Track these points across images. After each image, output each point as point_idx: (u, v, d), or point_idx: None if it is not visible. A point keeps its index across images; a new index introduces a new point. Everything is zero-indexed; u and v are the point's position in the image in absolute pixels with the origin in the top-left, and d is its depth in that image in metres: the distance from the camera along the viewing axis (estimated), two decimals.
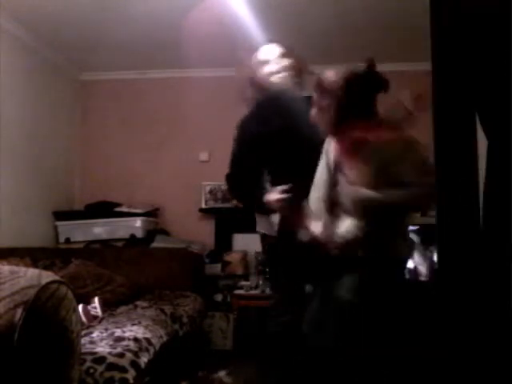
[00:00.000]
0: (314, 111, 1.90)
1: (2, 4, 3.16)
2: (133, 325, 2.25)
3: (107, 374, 1.72)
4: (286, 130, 2.06)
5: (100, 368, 1.73)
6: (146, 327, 2.25)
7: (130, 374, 1.79)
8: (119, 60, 4.26)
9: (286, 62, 2.24)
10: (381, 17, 3.47)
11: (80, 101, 4.56)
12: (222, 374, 2.75)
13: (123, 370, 1.78)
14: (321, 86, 1.87)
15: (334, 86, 1.83)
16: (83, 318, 2.35)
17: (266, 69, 2.22)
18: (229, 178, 2.25)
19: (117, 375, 1.74)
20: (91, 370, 1.71)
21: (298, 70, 2.26)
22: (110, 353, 1.83)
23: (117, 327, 2.20)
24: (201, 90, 4.30)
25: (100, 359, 1.77)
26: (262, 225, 2.24)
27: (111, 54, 4.10)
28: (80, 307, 2.35)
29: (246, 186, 2.17)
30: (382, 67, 4.79)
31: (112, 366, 1.76)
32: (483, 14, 1.40)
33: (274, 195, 2.01)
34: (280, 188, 1.99)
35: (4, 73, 3.39)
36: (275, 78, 2.20)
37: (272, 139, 2.08)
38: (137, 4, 3.25)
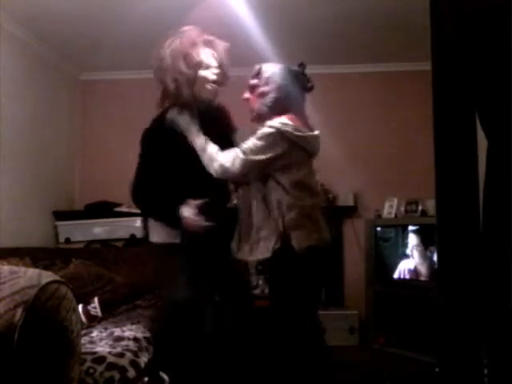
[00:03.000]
0: (248, 95, 2.11)
1: (2, 4, 3.15)
2: (132, 324, 2.25)
3: (107, 374, 1.73)
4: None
5: (100, 368, 1.73)
6: (145, 327, 2.25)
7: (130, 374, 1.80)
8: (119, 60, 4.26)
9: (221, 74, 2.16)
10: (381, 17, 3.47)
11: (80, 101, 4.55)
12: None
13: (123, 369, 1.78)
14: (263, 74, 2.08)
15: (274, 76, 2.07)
16: (83, 318, 2.35)
17: (203, 73, 2.12)
18: (134, 191, 2.19)
19: (117, 375, 1.74)
20: (91, 370, 1.71)
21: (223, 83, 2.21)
22: (109, 352, 1.84)
23: (116, 327, 2.20)
24: None
25: (100, 359, 1.77)
26: (160, 234, 2.16)
27: (111, 53, 4.10)
28: (80, 307, 2.35)
29: (154, 200, 2.13)
30: (382, 67, 4.80)
31: (112, 366, 1.76)
32: (483, 14, 1.40)
33: (190, 213, 1.99)
34: (194, 203, 2.00)
35: (4, 73, 3.39)
36: (208, 87, 2.13)
37: (183, 156, 2.08)
38: (137, 4, 3.25)
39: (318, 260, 2.03)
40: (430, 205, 3.69)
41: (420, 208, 3.85)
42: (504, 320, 1.29)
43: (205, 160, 2.04)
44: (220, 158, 2.01)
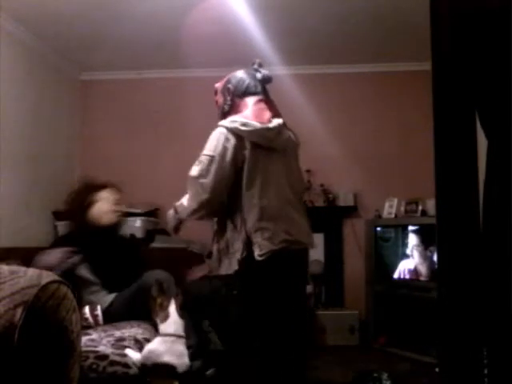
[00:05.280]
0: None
1: (2, 4, 3.15)
2: (131, 327, 2.25)
3: (110, 369, 1.74)
4: None
5: (103, 363, 1.75)
6: (145, 328, 2.26)
7: (132, 371, 1.81)
8: (119, 60, 4.26)
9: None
10: (381, 17, 3.47)
11: (80, 101, 4.56)
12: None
13: (126, 366, 1.80)
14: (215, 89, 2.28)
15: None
16: (90, 319, 2.34)
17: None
18: None
19: (119, 370, 1.76)
20: (94, 366, 1.73)
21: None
22: (112, 352, 1.86)
23: (116, 329, 2.20)
24: (201, 90, 4.29)
25: (102, 356, 1.79)
26: None
27: (111, 53, 4.10)
28: (87, 309, 2.36)
29: None
30: (382, 67, 4.79)
31: (115, 362, 1.78)
32: (483, 13, 1.40)
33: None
34: None
35: (4, 73, 3.39)
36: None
37: None
38: (137, 4, 3.25)
39: (284, 265, 1.85)
40: (430, 205, 3.69)
41: (420, 208, 3.85)
42: (504, 320, 1.29)
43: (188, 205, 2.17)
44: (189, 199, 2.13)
